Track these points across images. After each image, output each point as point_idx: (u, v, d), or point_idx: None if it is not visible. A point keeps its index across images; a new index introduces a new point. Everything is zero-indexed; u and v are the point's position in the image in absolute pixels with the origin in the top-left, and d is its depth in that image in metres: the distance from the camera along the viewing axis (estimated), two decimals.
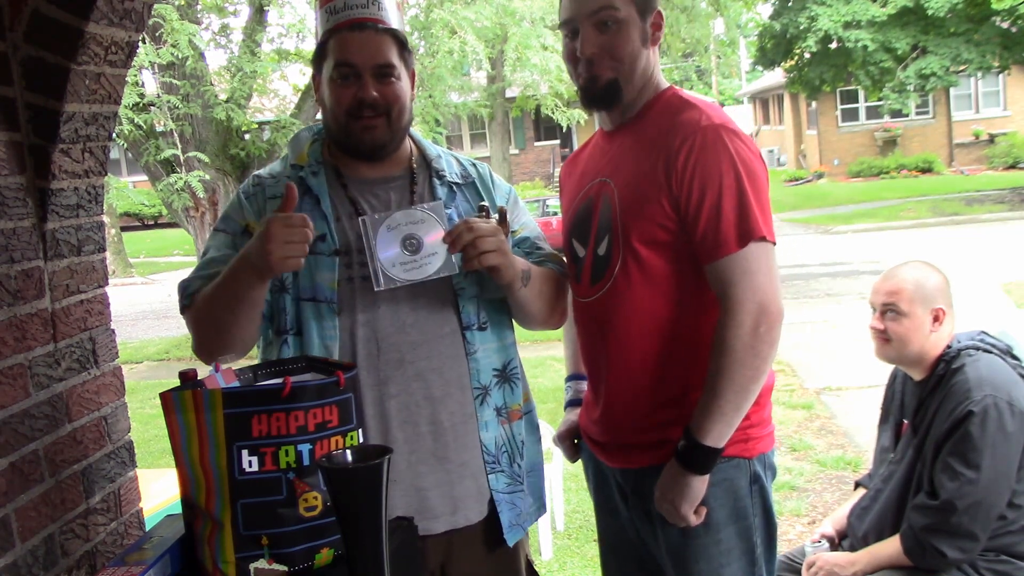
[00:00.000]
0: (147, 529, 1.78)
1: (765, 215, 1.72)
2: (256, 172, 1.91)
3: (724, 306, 1.70)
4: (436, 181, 1.86)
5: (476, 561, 1.84)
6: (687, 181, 1.71)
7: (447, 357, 1.79)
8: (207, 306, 1.70)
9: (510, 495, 1.85)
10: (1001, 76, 23.83)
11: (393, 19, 1.78)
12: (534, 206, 18.50)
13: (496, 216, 1.79)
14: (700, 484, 1.74)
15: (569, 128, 27.28)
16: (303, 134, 1.91)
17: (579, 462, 2.14)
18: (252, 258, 1.59)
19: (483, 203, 1.82)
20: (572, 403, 2.13)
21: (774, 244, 1.73)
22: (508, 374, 1.86)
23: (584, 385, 2.05)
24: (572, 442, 2.11)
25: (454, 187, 1.87)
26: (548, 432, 4.38)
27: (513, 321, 1.94)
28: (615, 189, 1.83)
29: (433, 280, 1.73)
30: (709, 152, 1.70)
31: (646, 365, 1.81)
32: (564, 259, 1.97)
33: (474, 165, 1.95)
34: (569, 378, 2.17)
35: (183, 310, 1.78)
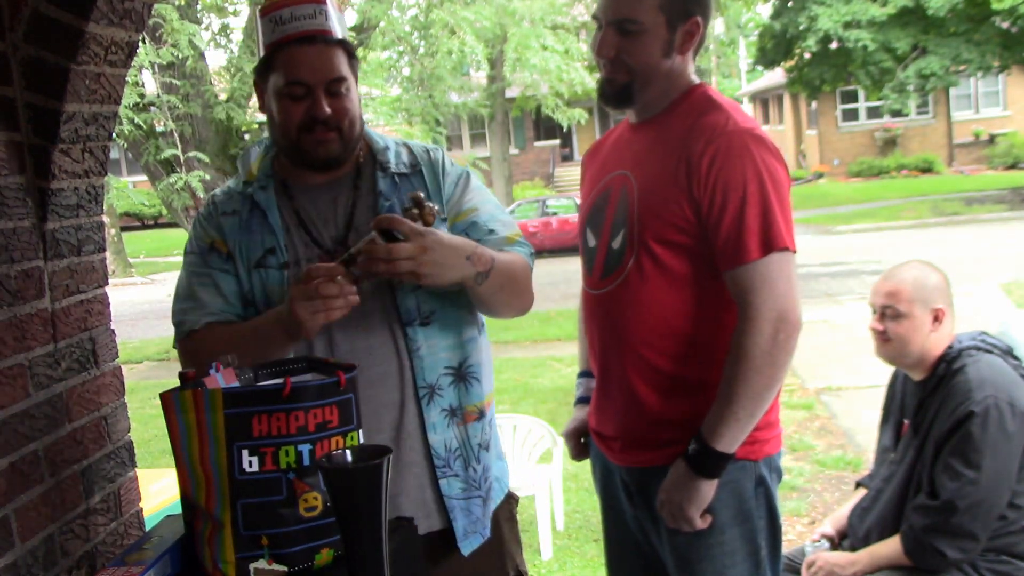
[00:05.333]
0: (147, 529, 1.78)
1: (788, 224, 1.71)
2: (213, 191, 1.90)
3: (743, 313, 1.70)
4: (379, 174, 1.81)
5: (443, 571, 1.75)
6: (709, 186, 1.70)
7: (397, 356, 1.73)
8: (231, 352, 1.65)
9: (466, 501, 1.76)
10: (1001, 76, 23.87)
11: (338, 29, 1.73)
12: (534, 206, 18.47)
13: (431, 204, 1.69)
14: (709, 488, 1.74)
15: (569, 128, 27.30)
16: (253, 150, 1.89)
17: (582, 462, 2.13)
18: (284, 324, 1.59)
19: (415, 193, 1.71)
20: (582, 400, 2.11)
21: (795, 253, 1.73)
22: (464, 372, 1.78)
23: (595, 383, 2.03)
24: (579, 440, 2.10)
25: (397, 178, 1.81)
26: (548, 432, 4.41)
27: (483, 318, 1.85)
28: (635, 184, 1.82)
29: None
30: (734, 158, 1.70)
31: (658, 363, 1.80)
32: (525, 242, 1.84)
33: (428, 152, 1.87)
34: (581, 375, 2.15)
35: (182, 343, 1.76)
